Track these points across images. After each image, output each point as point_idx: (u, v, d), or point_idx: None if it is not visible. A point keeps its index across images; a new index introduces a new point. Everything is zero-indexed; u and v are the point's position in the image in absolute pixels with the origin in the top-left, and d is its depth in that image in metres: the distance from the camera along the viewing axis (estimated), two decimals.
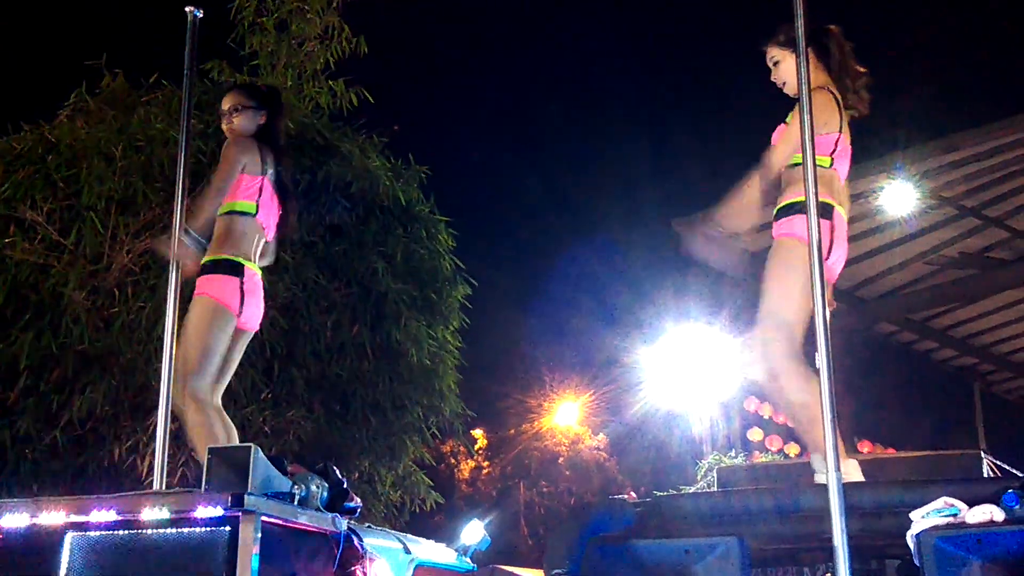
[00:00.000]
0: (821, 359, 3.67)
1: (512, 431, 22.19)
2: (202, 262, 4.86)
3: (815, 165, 3.85)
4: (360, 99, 9.78)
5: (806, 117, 3.88)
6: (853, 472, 4.25)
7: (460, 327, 9.48)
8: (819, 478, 4.19)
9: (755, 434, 14.62)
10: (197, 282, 4.84)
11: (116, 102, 8.52)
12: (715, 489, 4.88)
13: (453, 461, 21.24)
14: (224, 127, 5.12)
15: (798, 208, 4.38)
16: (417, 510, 9.31)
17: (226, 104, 5.12)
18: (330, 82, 9.62)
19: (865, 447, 13.34)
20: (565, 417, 22.37)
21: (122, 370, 7.40)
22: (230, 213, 4.92)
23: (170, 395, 4.43)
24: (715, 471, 7.57)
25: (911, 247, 13.54)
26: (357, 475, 8.33)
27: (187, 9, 4.94)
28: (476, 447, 21.82)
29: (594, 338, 20.86)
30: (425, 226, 9.18)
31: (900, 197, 12.15)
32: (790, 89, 4.82)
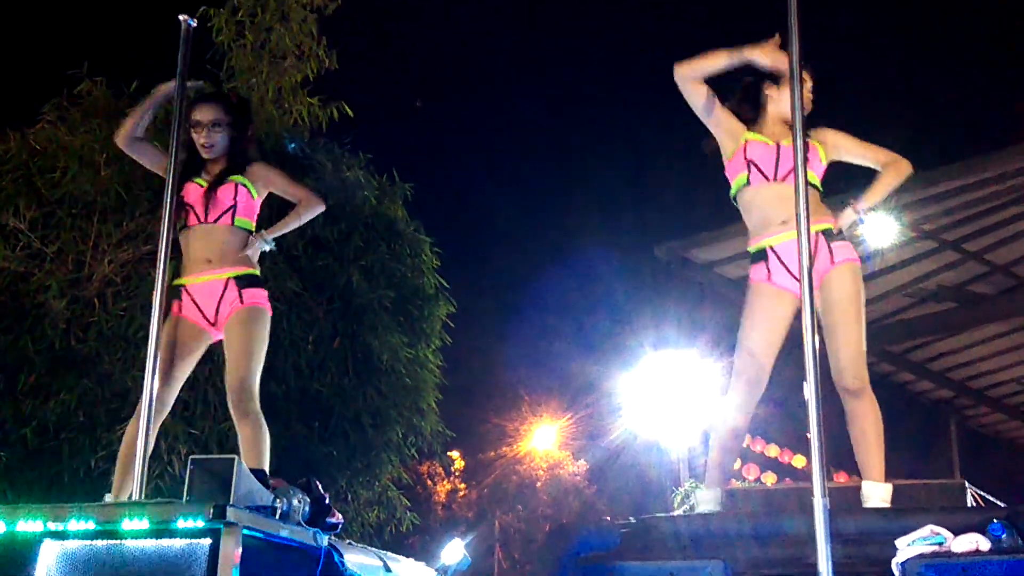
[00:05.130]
0: (810, 387, 3.66)
1: (492, 453, 22.12)
2: (245, 273, 4.88)
3: (807, 184, 3.88)
4: (344, 118, 9.76)
5: (799, 141, 3.90)
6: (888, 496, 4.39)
7: (441, 347, 9.45)
8: (872, 503, 4.35)
9: None
10: (247, 293, 4.83)
11: (99, 110, 8.47)
12: (697, 512, 4.88)
13: (430, 483, 21.11)
14: (200, 139, 4.95)
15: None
16: (393, 530, 9.25)
17: (204, 116, 4.96)
18: (309, 99, 9.60)
19: (841, 477, 13.35)
20: (543, 442, 22.34)
21: (99, 377, 7.34)
22: (246, 230, 4.96)
23: (152, 404, 4.38)
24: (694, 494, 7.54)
25: (890, 279, 13.64)
26: (333, 492, 8.26)
27: (180, 18, 4.89)
28: (453, 469, 21.72)
29: (573, 363, 20.88)
30: (409, 244, 9.16)
31: (880, 229, 12.24)
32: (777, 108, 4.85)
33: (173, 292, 4.87)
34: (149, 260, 7.32)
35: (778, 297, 4.69)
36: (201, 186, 4.91)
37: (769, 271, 4.71)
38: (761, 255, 4.73)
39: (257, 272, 4.94)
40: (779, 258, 4.67)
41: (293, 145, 8.99)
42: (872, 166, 4.85)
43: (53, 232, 7.80)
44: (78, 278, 7.73)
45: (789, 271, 4.63)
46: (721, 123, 4.86)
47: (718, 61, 4.75)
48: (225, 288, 4.81)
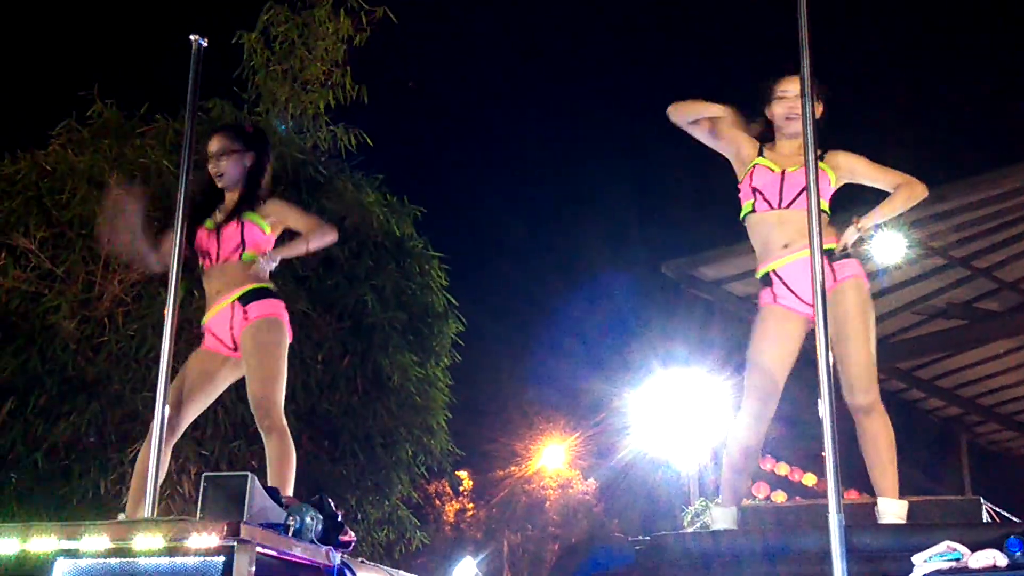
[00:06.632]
0: (824, 405, 3.66)
1: (501, 472, 22.06)
2: (247, 289, 4.90)
3: (819, 205, 3.88)
4: (358, 139, 9.81)
5: (811, 155, 3.90)
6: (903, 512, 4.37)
7: (451, 365, 9.44)
8: (887, 519, 4.33)
9: None
10: (251, 307, 4.87)
11: (110, 131, 8.51)
12: (712, 530, 4.87)
13: (438, 503, 21.05)
14: (212, 170, 5.07)
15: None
16: (403, 550, 9.22)
17: (213, 147, 5.08)
18: (331, 128, 9.67)
19: (852, 495, 13.28)
20: (553, 460, 22.26)
21: (109, 398, 7.35)
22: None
23: (164, 424, 4.38)
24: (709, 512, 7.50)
25: (899, 296, 13.59)
26: (344, 512, 8.24)
27: (191, 37, 4.91)
28: (461, 488, 21.66)
29: (582, 381, 20.83)
30: (418, 262, 9.17)
31: (889, 246, 12.20)
32: (794, 126, 4.78)
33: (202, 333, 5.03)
34: (159, 280, 7.33)
35: (785, 317, 4.74)
36: (209, 229, 5.00)
37: (775, 295, 4.76)
38: (767, 280, 4.78)
39: (264, 285, 4.95)
40: (783, 281, 4.71)
41: (284, 127, 9.05)
42: (886, 189, 4.84)
43: (63, 252, 7.83)
44: (88, 298, 7.74)
45: (793, 292, 4.69)
46: (728, 148, 4.94)
47: (699, 110, 4.89)
48: (232, 312, 4.89)
